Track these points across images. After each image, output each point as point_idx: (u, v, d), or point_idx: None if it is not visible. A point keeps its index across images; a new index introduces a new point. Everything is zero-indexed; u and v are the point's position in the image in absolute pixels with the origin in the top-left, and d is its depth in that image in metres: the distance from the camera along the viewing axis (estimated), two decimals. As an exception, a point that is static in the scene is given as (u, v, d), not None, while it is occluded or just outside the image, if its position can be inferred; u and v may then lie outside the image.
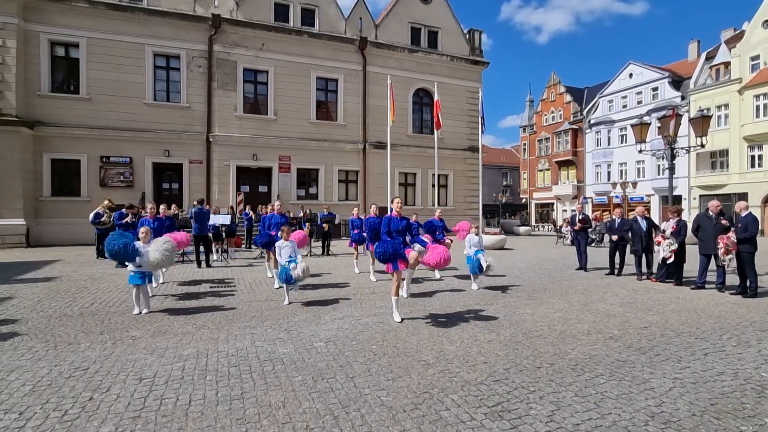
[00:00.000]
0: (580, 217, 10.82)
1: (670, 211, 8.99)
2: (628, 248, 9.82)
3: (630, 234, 9.42)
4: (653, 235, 9.06)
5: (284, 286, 6.67)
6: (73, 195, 17.39)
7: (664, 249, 8.60)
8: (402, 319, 5.57)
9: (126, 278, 6.14)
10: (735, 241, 7.38)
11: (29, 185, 16.54)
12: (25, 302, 6.60)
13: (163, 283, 8.24)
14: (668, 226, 8.58)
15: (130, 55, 18.16)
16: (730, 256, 7.45)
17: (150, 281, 6.28)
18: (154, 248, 5.88)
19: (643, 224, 9.11)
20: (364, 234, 9.87)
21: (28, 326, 5.26)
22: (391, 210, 5.82)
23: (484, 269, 7.66)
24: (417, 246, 6.02)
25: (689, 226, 8.72)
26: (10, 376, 3.69)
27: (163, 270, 8.33)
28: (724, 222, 7.71)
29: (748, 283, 7.41)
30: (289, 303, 6.53)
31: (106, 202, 12.90)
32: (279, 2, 20.76)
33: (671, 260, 8.44)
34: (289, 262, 6.35)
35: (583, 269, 10.51)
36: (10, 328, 5.18)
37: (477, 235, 8.10)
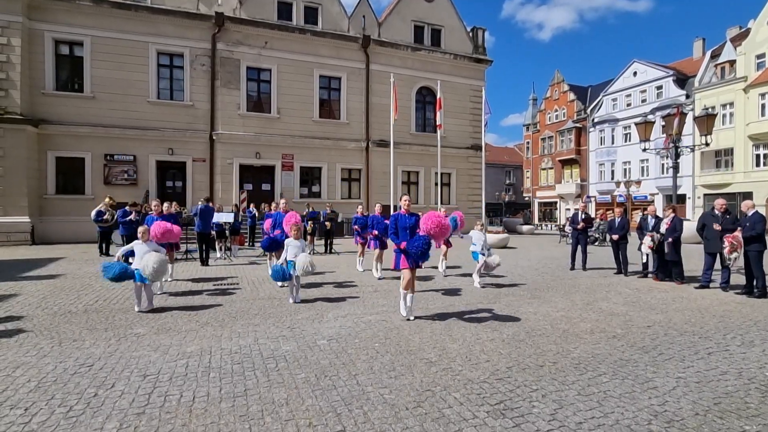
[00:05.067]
0: (583, 216, 10.69)
1: (665, 209, 9.13)
2: (629, 247, 9.84)
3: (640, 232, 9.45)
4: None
5: (287, 284, 6.70)
6: (77, 193, 17.47)
7: (644, 245, 8.79)
8: (408, 318, 5.57)
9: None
10: (741, 240, 7.33)
11: (34, 183, 16.63)
12: (30, 299, 6.65)
13: (166, 281, 8.25)
14: (663, 224, 8.60)
15: (133, 53, 18.21)
16: (735, 254, 7.40)
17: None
18: (145, 263, 5.77)
19: (651, 223, 9.09)
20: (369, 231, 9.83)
21: (33, 323, 5.30)
22: (400, 207, 5.84)
23: (489, 266, 7.81)
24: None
25: (692, 224, 8.72)
26: (16, 372, 3.72)
27: (167, 280, 8.32)
28: (716, 227, 7.63)
29: (755, 283, 7.35)
30: (294, 302, 6.53)
31: (107, 199, 12.95)
32: (282, 0, 20.76)
33: (668, 255, 8.49)
34: (289, 263, 6.37)
35: (583, 268, 10.43)
36: (15, 324, 5.22)
37: (481, 232, 8.10)
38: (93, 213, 12.62)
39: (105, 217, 12.46)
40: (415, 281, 5.67)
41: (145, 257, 5.83)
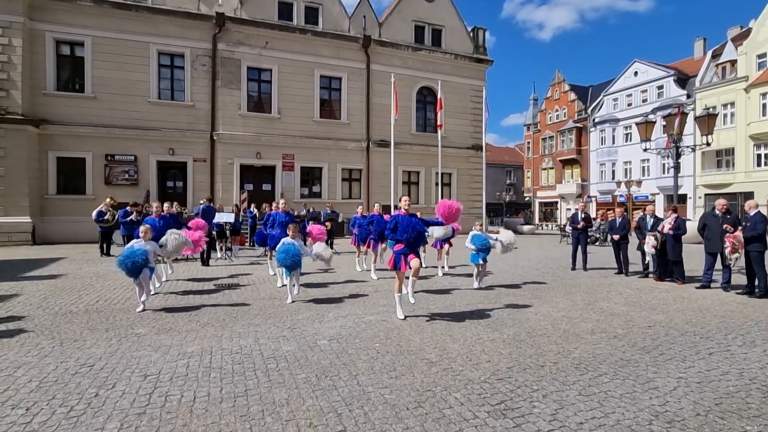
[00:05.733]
0: (583, 216, 10.68)
1: (666, 210, 9.09)
2: (630, 247, 9.83)
3: (638, 231, 9.44)
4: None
5: (287, 285, 6.72)
6: (78, 193, 17.49)
7: (647, 245, 8.77)
8: (405, 317, 5.58)
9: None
10: (742, 240, 7.30)
11: (35, 183, 16.65)
12: (32, 299, 6.66)
13: (166, 281, 8.27)
14: (666, 224, 8.57)
15: (134, 53, 18.23)
16: (736, 254, 7.38)
17: (151, 272, 6.32)
18: (168, 238, 6.54)
19: (650, 223, 9.08)
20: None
21: (34, 323, 5.30)
22: (399, 208, 5.85)
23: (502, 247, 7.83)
24: (435, 230, 6.24)
25: (693, 224, 8.70)
26: (17, 372, 3.72)
27: (168, 273, 8.34)
28: (727, 227, 7.60)
29: (756, 282, 7.32)
30: (293, 301, 6.55)
31: (108, 200, 12.99)
32: (283, 0, 20.76)
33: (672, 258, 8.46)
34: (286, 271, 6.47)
35: (583, 268, 10.42)
36: (16, 324, 5.23)
37: (480, 232, 8.07)
38: (94, 213, 12.64)
39: (106, 217, 12.49)
40: (411, 289, 5.71)
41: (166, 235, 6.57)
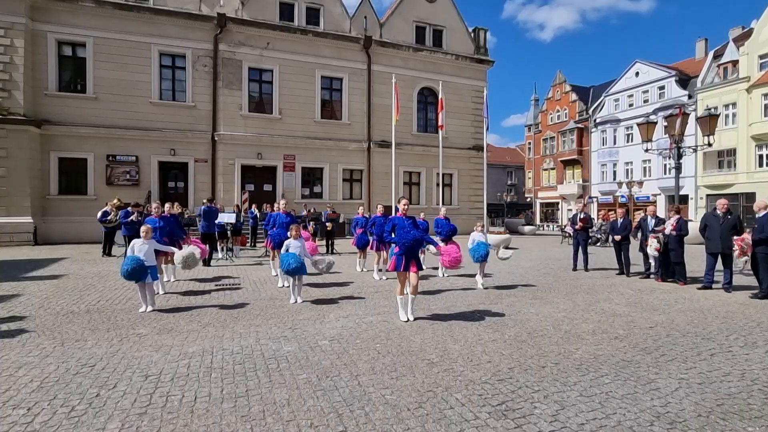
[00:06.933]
0: (581, 216, 10.67)
1: (668, 210, 9.06)
2: (631, 248, 9.82)
3: (639, 232, 9.42)
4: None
5: (290, 284, 6.72)
6: (79, 193, 17.53)
7: (650, 248, 8.71)
8: (407, 319, 5.56)
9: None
10: (750, 243, 7.23)
11: (36, 183, 16.69)
12: (33, 299, 6.67)
13: (167, 281, 8.27)
14: (668, 224, 8.55)
15: (136, 54, 18.27)
16: (745, 258, 7.31)
17: (154, 278, 6.31)
18: (180, 253, 6.95)
19: (651, 223, 9.06)
20: (368, 234, 9.83)
21: (35, 323, 5.31)
22: (397, 210, 5.82)
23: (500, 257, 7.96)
24: (431, 248, 6.36)
25: (694, 225, 8.67)
26: (19, 372, 3.73)
27: (169, 280, 8.33)
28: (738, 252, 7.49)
29: (759, 284, 7.28)
30: (299, 302, 6.54)
31: (115, 200, 13.09)
32: (284, 1, 20.79)
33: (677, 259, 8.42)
34: (292, 256, 6.41)
35: (584, 269, 10.41)
36: (18, 325, 5.24)
37: (481, 233, 8.08)
38: (99, 213, 12.73)
39: (109, 217, 12.57)
40: (410, 307, 5.66)
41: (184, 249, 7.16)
